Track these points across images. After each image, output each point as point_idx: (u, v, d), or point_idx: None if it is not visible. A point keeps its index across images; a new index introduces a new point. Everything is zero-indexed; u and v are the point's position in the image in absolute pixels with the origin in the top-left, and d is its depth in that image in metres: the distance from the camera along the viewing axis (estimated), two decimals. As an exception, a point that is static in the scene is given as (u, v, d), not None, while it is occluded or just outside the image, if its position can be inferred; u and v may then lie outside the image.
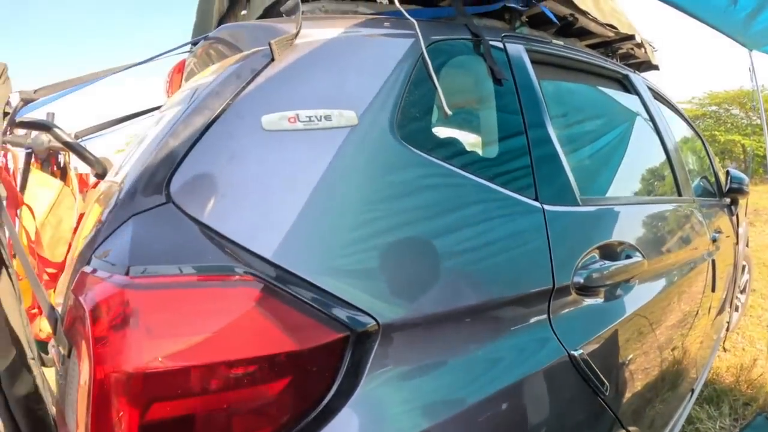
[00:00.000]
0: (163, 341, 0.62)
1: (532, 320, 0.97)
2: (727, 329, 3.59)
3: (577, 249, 1.08)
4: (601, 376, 1.06)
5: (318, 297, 0.71)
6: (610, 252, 1.18)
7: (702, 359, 2.40)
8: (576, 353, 0.99)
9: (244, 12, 1.66)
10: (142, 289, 0.64)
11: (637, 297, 1.28)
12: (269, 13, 1.42)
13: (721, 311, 2.74)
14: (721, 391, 3.10)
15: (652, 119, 1.99)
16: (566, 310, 1.04)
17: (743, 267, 3.90)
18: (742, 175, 3.00)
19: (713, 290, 2.17)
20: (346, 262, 0.76)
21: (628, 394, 1.27)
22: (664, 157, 1.96)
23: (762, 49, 3.41)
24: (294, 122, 0.80)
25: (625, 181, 1.82)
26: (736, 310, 3.99)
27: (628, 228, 1.34)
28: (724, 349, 3.66)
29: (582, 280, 1.05)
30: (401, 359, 0.78)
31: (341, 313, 0.72)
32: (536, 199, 1.05)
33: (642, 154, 1.99)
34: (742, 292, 4.02)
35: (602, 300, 1.14)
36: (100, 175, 1.58)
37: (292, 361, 0.67)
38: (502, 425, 0.87)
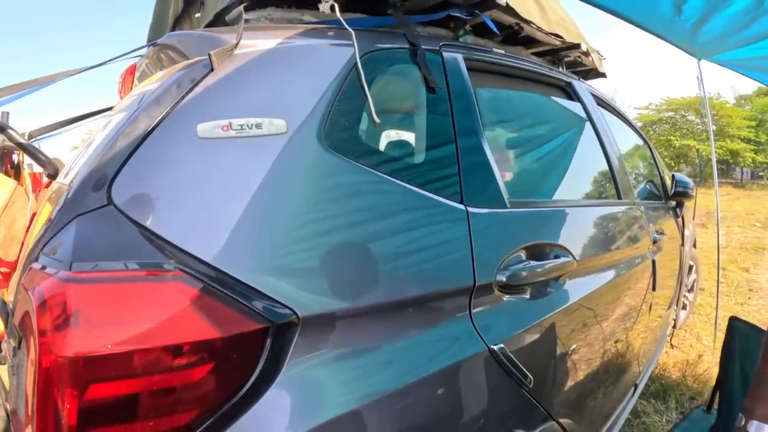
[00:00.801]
0: (99, 330, 0.68)
1: (454, 316, 1.03)
2: (674, 326, 3.72)
3: (502, 249, 1.14)
4: (525, 370, 1.12)
5: (242, 291, 0.77)
6: (537, 252, 1.24)
7: (645, 355, 2.48)
8: (496, 347, 1.05)
9: (198, 15, 1.68)
10: (83, 284, 0.70)
11: (567, 295, 1.35)
12: (220, 17, 1.45)
13: (665, 309, 2.84)
14: (667, 385, 3.22)
15: (594, 125, 2.06)
16: (488, 307, 1.09)
17: (690, 267, 4.04)
18: (688, 180, 3.11)
19: (654, 289, 2.26)
20: (269, 260, 0.81)
21: (557, 388, 1.34)
22: (604, 161, 2.04)
23: (710, 58, 3.49)
24: (227, 130, 0.85)
25: (562, 185, 1.89)
26: (684, 308, 4.13)
27: (559, 229, 1.41)
28: (672, 346, 3.79)
29: (505, 279, 1.11)
30: (323, 349, 0.84)
31: (262, 306, 0.78)
32: (461, 202, 1.10)
33: (581, 158, 2.06)
34: (690, 290, 4.17)
35: (528, 298, 1.19)
36: (52, 176, 1.58)
37: (216, 348, 0.73)
38: (421, 412, 0.93)
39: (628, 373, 2.17)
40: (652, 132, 30.80)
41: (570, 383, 1.45)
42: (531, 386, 1.15)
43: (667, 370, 3.44)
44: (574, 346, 1.43)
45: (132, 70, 1.87)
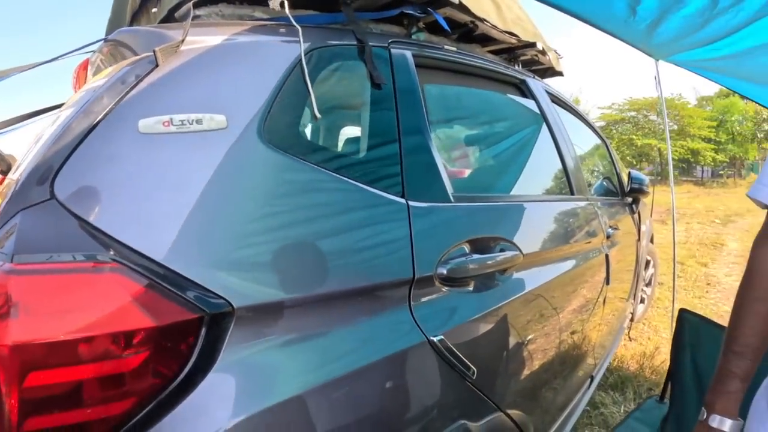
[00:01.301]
0: (39, 320, 0.70)
1: (393, 307, 1.04)
2: (632, 319, 3.81)
3: (443, 242, 1.15)
4: (467, 362, 1.13)
5: (177, 282, 0.79)
6: (481, 246, 1.25)
7: (601, 348, 2.53)
8: (436, 339, 1.06)
9: (155, 10, 1.67)
10: (23, 275, 0.72)
11: (514, 288, 1.37)
12: (173, 13, 1.43)
13: (621, 302, 2.90)
14: (625, 377, 3.29)
15: (547, 122, 2.09)
16: (428, 299, 1.10)
17: (648, 261, 4.13)
18: (643, 176, 3.18)
19: (608, 283, 2.30)
20: (206, 253, 0.82)
21: (504, 380, 1.36)
22: (557, 158, 2.07)
23: (667, 59, 3.55)
24: (168, 126, 0.86)
25: (512, 181, 1.92)
26: (642, 301, 4.22)
27: (506, 224, 1.43)
28: (630, 339, 3.88)
29: (446, 272, 1.12)
30: (260, 339, 0.85)
31: (197, 297, 0.79)
32: (402, 196, 1.11)
33: (533, 155, 2.09)
34: (647, 285, 4.26)
35: (471, 290, 1.21)
36: (4, 172, 1.56)
37: (152, 337, 0.75)
38: (360, 401, 0.94)
39: (583, 365, 2.21)
40: (614, 131, 31.54)
41: (519, 375, 1.47)
42: (474, 378, 1.16)
43: (625, 362, 3.52)
44: (523, 339, 1.45)
45: (85, 65, 1.85)
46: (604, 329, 2.47)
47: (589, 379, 2.43)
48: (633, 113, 31.52)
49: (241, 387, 0.81)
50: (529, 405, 1.58)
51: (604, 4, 2.58)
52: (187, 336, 0.79)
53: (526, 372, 1.52)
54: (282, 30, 1.16)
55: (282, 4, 1.22)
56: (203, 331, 0.80)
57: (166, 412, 0.75)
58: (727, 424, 0.98)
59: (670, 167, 3.98)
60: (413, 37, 1.64)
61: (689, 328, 1.91)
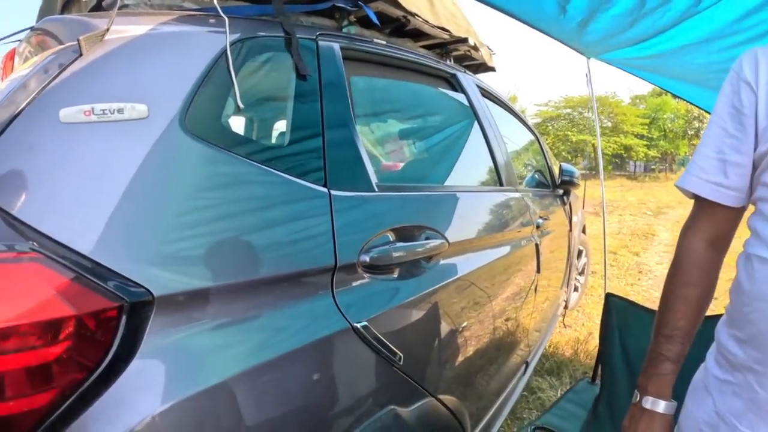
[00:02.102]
0: None
1: (316, 294, 1.05)
2: (566, 307, 3.95)
3: (366, 231, 1.16)
4: (393, 348, 1.15)
5: (97, 271, 0.78)
6: (406, 234, 1.28)
7: (535, 334, 2.61)
8: (359, 325, 1.07)
9: None
10: None
11: (440, 275, 1.39)
12: (102, 1, 1.42)
13: (554, 290, 3.00)
14: (561, 362, 3.41)
15: (477, 116, 2.14)
16: (351, 286, 1.12)
17: (580, 251, 4.29)
18: (573, 169, 3.30)
19: (539, 271, 2.37)
20: (126, 242, 0.82)
21: (434, 365, 1.39)
22: (486, 150, 2.12)
23: (598, 57, 3.66)
24: (89, 115, 0.85)
25: (439, 171, 1.96)
26: (576, 289, 4.38)
27: (432, 213, 1.45)
28: (564, 326, 4.02)
29: (368, 259, 1.14)
30: (182, 327, 0.85)
31: (116, 285, 0.79)
32: (324, 186, 1.12)
33: (462, 146, 2.14)
34: (581, 273, 4.43)
35: (396, 277, 1.23)
36: None
37: (72, 327, 0.74)
38: (285, 387, 0.95)
39: (517, 352, 2.27)
40: (551, 127, 32.54)
41: (450, 361, 1.50)
42: (402, 364, 1.18)
43: (561, 348, 3.65)
44: (453, 325, 1.48)
45: (12, 55, 1.78)
46: (537, 316, 2.55)
47: (524, 365, 2.50)
48: (569, 110, 32.61)
49: (165, 375, 0.81)
50: (462, 391, 1.62)
51: (535, 2, 2.65)
52: (107, 325, 0.78)
53: (457, 358, 1.56)
54: (210, 21, 1.15)
55: None
56: (123, 319, 0.79)
57: (89, 403, 0.74)
58: (661, 405, 1.01)
59: (600, 162, 4.15)
60: (344, 30, 1.65)
61: (616, 312, 1.99)
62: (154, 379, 0.80)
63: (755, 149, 0.93)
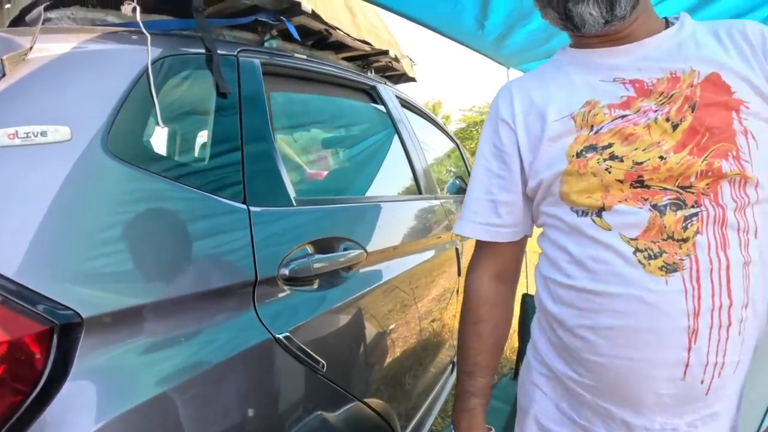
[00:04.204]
0: None
1: (239, 308, 1.08)
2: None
3: (285, 244, 1.20)
4: (316, 356, 1.20)
5: (24, 295, 0.78)
6: (324, 246, 1.32)
7: (460, 335, 2.70)
8: (282, 336, 1.12)
9: (8, 5, 1.61)
10: None
11: (360, 284, 1.45)
12: (24, 15, 1.40)
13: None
14: (487, 361, 3.52)
15: (396, 127, 2.21)
16: (272, 299, 1.15)
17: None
18: None
19: (460, 274, 2.47)
20: (52, 265, 0.82)
21: (358, 371, 1.45)
22: (405, 160, 2.20)
23: (517, 67, 3.78)
24: (13, 138, 0.84)
25: (358, 183, 2.02)
26: (501, 290, 4.53)
27: (350, 224, 1.50)
28: (492, 325, 4.15)
29: (288, 272, 1.18)
30: (112, 346, 0.86)
31: (45, 309, 0.79)
32: (243, 202, 1.15)
33: (381, 158, 2.21)
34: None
35: (315, 289, 1.27)
36: None
37: (4, 351, 0.74)
38: (212, 400, 0.97)
39: (442, 353, 2.35)
40: (475, 132, 33.38)
41: (375, 366, 1.56)
42: (325, 371, 1.23)
43: (488, 347, 3.76)
44: (376, 331, 1.54)
45: None
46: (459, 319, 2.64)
47: (452, 365, 2.58)
48: (493, 116, 33.49)
49: (97, 394, 0.82)
50: (390, 393, 1.67)
51: (454, 18, 2.72)
52: (39, 349, 0.78)
53: (383, 362, 1.62)
54: (133, 37, 1.16)
55: (134, 10, 1.21)
56: (55, 342, 0.79)
57: (25, 426, 0.74)
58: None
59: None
60: (266, 44, 1.67)
61: (532, 310, 2.10)
62: (87, 400, 0.81)
63: (526, 185, 0.98)
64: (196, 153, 1.41)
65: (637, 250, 0.80)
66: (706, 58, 0.84)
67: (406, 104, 2.61)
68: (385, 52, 2.50)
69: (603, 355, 0.85)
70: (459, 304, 2.48)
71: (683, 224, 0.78)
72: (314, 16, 1.79)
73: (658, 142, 0.81)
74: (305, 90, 1.80)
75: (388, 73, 2.90)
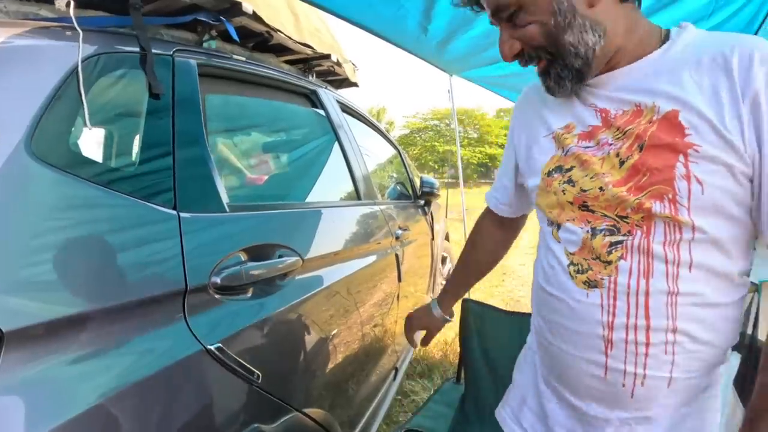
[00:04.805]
0: None
1: (169, 318, 1.04)
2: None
3: (217, 252, 1.17)
4: (250, 366, 1.16)
5: None
6: (258, 253, 1.29)
7: (402, 340, 2.69)
8: (213, 347, 1.08)
9: None
10: None
11: (295, 292, 1.42)
12: None
13: (418, 297, 3.13)
14: (432, 365, 3.54)
15: (336, 132, 2.20)
16: (204, 308, 1.12)
17: (444, 258, 4.52)
18: (433, 180, 3.47)
19: (400, 280, 2.47)
20: None
21: (295, 380, 1.42)
22: (344, 165, 2.19)
23: (460, 74, 3.83)
24: None
25: (295, 189, 2.00)
26: (442, 294, 4.59)
27: (285, 230, 1.48)
28: (434, 329, 4.20)
29: (219, 281, 1.14)
30: (37, 361, 0.81)
31: None
32: (174, 208, 1.11)
33: (319, 163, 2.19)
34: (447, 279, 4.66)
35: (249, 297, 1.24)
36: None
37: None
38: (141, 414, 0.93)
39: (384, 359, 2.35)
40: (419, 138, 34.00)
41: (313, 375, 1.54)
42: (260, 381, 1.20)
43: (431, 350, 3.79)
44: (312, 339, 1.52)
45: None
46: (401, 324, 2.64)
47: (394, 370, 2.59)
48: (436, 122, 34.25)
49: (25, 410, 0.78)
50: (331, 401, 1.66)
51: (397, 22, 2.73)
52: None
53: (322, 370, 1.60)
54: (66, 33, 1.10)
55: (68, 4, 1.16)
56: None
57: None
58: (437, 309, 1.54)
59: (461, 172, 4.40)
60: (205, 44, 1.64)
61: (473, 315, 2.11)
62: (14, 416, 0.76)
63: (523, 180, 1.15)
64: (126, 157, 1.36)
65: (571, 263, 0.93)
66: (670, 94, 0.85)
67: (348, 109, 2.61)
68: (327, 56, 2.50)
69: (548, 341, 1.02)
70: (400, 310, 2.49)
71: (608, 249, 0.88)
72: (255, 17, 1.77)
73: (604, 174, 0.89)
74: (243, 93, 1.76)
75: (330, 78, 2.90)
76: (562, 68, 0.91)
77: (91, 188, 0.98)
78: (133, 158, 1.21)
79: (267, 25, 1.88)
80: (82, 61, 1.05)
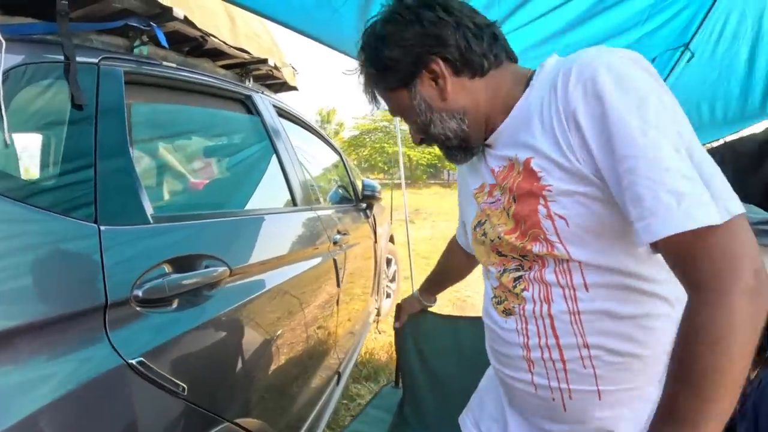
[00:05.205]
0: None
1: (89, 334, 1.02)
2: (378, 314, 4.16)
3: (140, 265, 1.15)
4: (174, 379, 1.15)
5: None
6: (184, 264, 1.28)
7: (344, 345, 2.71)
8: (135, 361, 1.07)
9: None
10: None
11: (224, 301, 1.40)
12: None
13: (361, 301, 3.15)
14: (378, 368, 3.55)
15: (270, 138, 2.19)
16: (125, 322, 1.10)
17: (389, 260, 4.56)
18: (375, 184, 3.49)
19: (339, 285, 2.47)
20: None
21: (225, 391, 1.41)
22: (279, 171, 2.17)
23: None
24: None
25: (228, 197, 1.97)
26: (389, 296, 4.63)
27: (212, 240, 1.46)
28: (379, 332, 4.22)
29: (141, 293, 1.13)
30: None
31: None
32: (94, 221, 1.10)
33: (252, 170, 2.17)
34: (392, 281, 4.70)
35: (174, 309, 1.22)
36: None
37: None
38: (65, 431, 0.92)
39: (326, 364, 2.35)
40: (368, 140, 34.13)
41: (247, 383, 1.53)
42: (187, 394, 1.18)
43: (377, 353, 3.82)
44: (244, 348, 1.51)
45: None
46: (344, 328, 2.65)
47: (337, 375, 2.59)
48: (385, 123, 34.39)
49: None
50: (265, 410, 1.65)
51: (334, 26, 2.69)
52: None
53: (255, 380, 1.59)
54: None
55: None
56: None
57: None
58: (420, 298, 1.84)
59: (401, 172, 4.45)
60: (136, 50, 1.61)
61: (409, 318, 2.13)
62: None
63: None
64: (46, 170, 1.32)
65: (494, 296, 1.07)
66: (526, 143, 0.91)
67: (285, 114, 2.60)
68: (264, 61, 2.49)
69: (495, 367, 1.14)
70: (341, 314, 2.50)
71: (513, 283, 0.99)
72: (187, 22, 1.75)
73: (499, 225, 1.00)
74: (173, 100, 1.74)
75: (268, 82, 2.88)
76: (448, 148, 1.06)
77: (7, 204, 0.96)
78: (53, 171, 1.18)
79: (200, 30, 1.85)
80: (5, 72, 1.03)
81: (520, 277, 0.98)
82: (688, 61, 3.50)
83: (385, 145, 32.62)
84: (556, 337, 0.94)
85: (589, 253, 0.87)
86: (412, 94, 1.00)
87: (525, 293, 0.97)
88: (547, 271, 0.92)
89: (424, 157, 32.09)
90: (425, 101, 0.99)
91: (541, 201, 0.88)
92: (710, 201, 0.70)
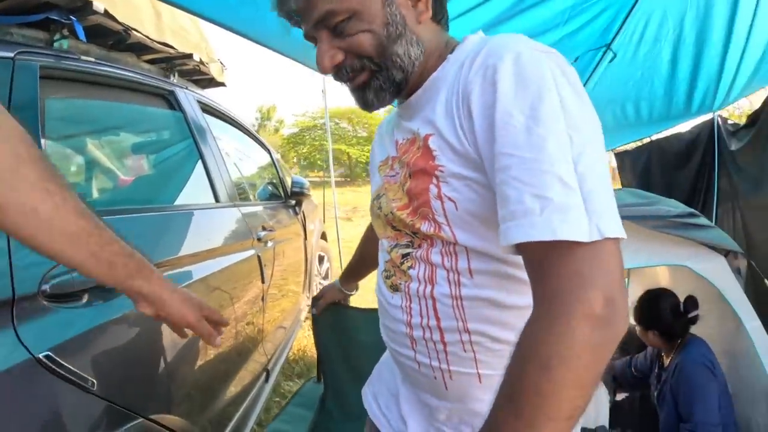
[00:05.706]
0: None
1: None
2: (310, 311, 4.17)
3: (48, 260, 1.15)
4: (81, 373, 1.15)
5: None
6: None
7: (272, 343, 2.72)
8: (42, 355, 1.07)
9: None
10: None
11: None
12: None
13: (290, 298, 3.16)
14: (311, 365, 3.55)
15: (192, 134, 2.18)
16: (33, 317, 1.10)
17: (322, 257, 4.59)
18: (303, 180, 3.51)
19: (263, 281, 2.48)
20: None
21: (139, 386, 1.42)
22: (201, 167, 2.17)
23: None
24: None
25: (145, 193, 1.97)
26: (320, 294, 4.65)
27: (127, 236, 1.42)
28: (311, 329, 4.25)
29: (49, 288, 1.13)
30: None
31: None
32: None
33: (172, 166, 2.17)
34: (324, 278, 4.73)
35: (83, 303, 1.23)
36: None
37: None
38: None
39: (252, 362, 2.35)
40: (308, 137, 33.91)
41: (163, 380, 1.54)
42: (96, 389, 1.19)
43: (309, 350, 3.82)
44: (159, 343, 1.51)
45: None
46: (271, 325, 2.67)
47: (266, 373, 2.60)
48: (325, 121, 34.24)
49: None
50: (185, 407, 1.65)
51: (258, 21, 2.68)
52: None
53: (173, 376, 1.59)
54: None
55: None
56: None
57: None
58: (341, 287, 1.79)
59: (331, 169, 4.49)
60: (56, 44, 1.58)
61: (329, 313, 2.14)
62: None
63: None
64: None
65: (385, 269, 1.04)
66: (428, 118, 0.89)
67: (211, 110, 2.58)
68: (189, 56, 2.47)
69: (384, 340, 1.12)
70: (267, 311, 2.51)
71: (402, 259, 0.97)
72: (108, 15, 1.73)
73: (394, 199, 0.97)
74: (91, 95, 1.71)
75: (195, 77, 2.86)
76: (385, 80, 0.91)
77: None
78: None
79: (122, 24, 1.83)
80: None
81: (408, 254, 0.95)
82: (611, 61, 3.64)
83: (324, 143, 32.52)
84: (437, 319, 0.91)
85: (475, 239, 0.86)
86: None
87: (411, 271, 0.94)
88: (434, 252, 0.90)
89: (364, 155, 32.18)
90: (401, 13, 0.88)
91: (434, 180, 0.85)
92: (582, 215, 0.64)
